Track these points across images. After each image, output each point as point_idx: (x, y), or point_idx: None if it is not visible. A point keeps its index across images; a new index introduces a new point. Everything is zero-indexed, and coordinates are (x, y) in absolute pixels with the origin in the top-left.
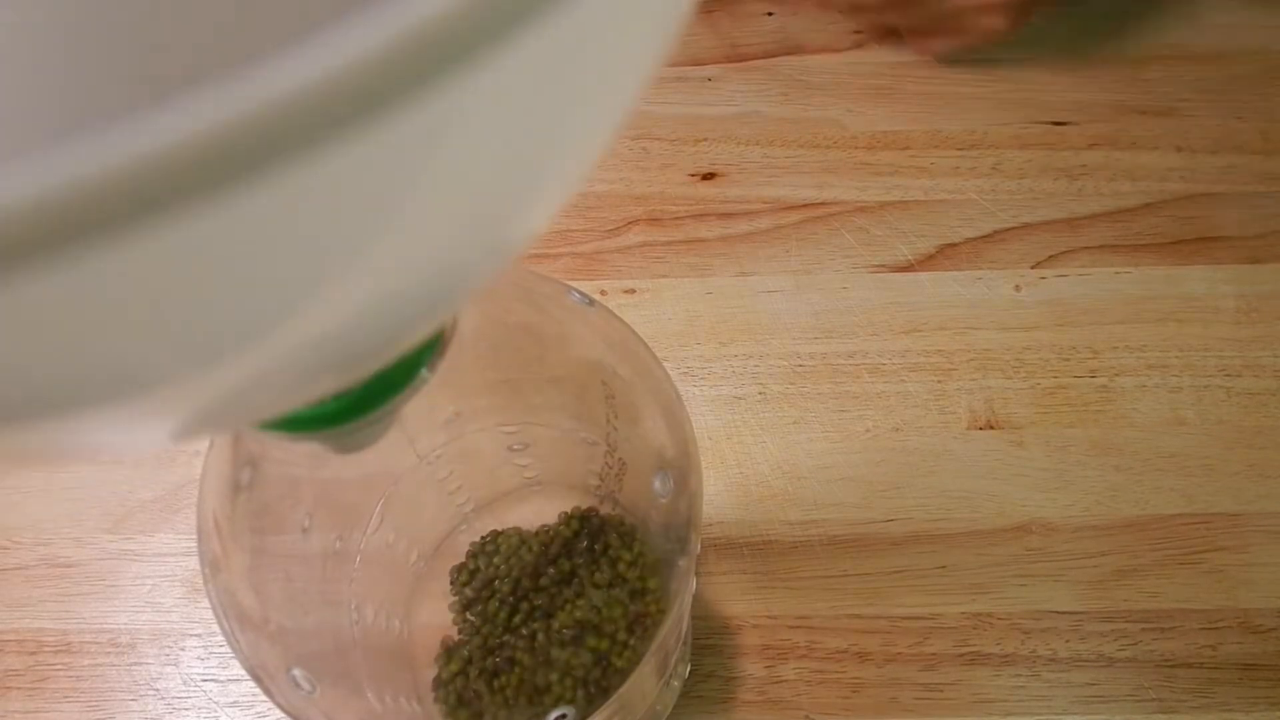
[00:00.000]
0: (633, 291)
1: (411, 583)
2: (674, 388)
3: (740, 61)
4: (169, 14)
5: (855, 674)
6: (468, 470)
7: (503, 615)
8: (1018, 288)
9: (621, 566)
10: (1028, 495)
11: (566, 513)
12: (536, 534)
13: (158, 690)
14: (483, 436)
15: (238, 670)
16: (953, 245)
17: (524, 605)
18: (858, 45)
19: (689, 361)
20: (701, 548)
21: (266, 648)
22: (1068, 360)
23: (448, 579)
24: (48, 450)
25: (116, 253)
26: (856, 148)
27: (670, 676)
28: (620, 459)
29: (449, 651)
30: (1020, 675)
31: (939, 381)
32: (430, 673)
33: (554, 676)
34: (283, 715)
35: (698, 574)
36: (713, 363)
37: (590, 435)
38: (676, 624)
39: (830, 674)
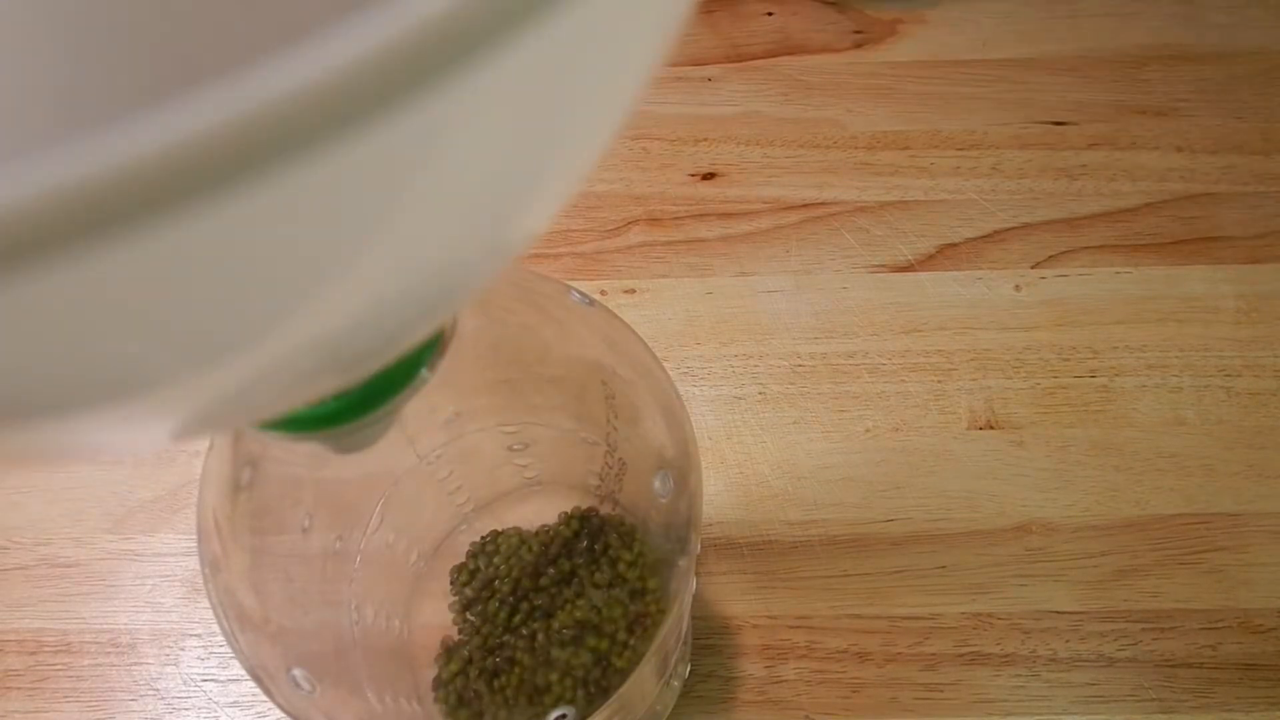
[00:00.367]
0: (633, 291)
1: (411, 583)
2: (674, 388)
3: (740, 61)
4: (168, 13)
5: (855, 674)
6: (468, 470)
7: (503, 615)
8: (1018, 288)
9: (621, 566)
10: (1028, 495)
11: (566, 513)
12: (536, 534)
13: (158, 690)
14: (483, 436)
15: (238, 670)
16: (953, 245)
17: (524, 605)
18: (858, 45)
19: (689, 361)
20: (701, 548)
21: (266, 648)
22: (1068, 360)
23: (448, 579)
24: (47, 450)
25: (115, 254)
26: (856, 148)
27: (670, 676)
28: (620, 459)
29: (449, 651)
30: (1020, 675)
31: (939, 381)
32: (430, 673)
33: (554, 676)
34: (283, 715)
35: (698, 574)
36: (713, 363)
37: (590, 435)
38: (676, 624)
39: (830, 674)
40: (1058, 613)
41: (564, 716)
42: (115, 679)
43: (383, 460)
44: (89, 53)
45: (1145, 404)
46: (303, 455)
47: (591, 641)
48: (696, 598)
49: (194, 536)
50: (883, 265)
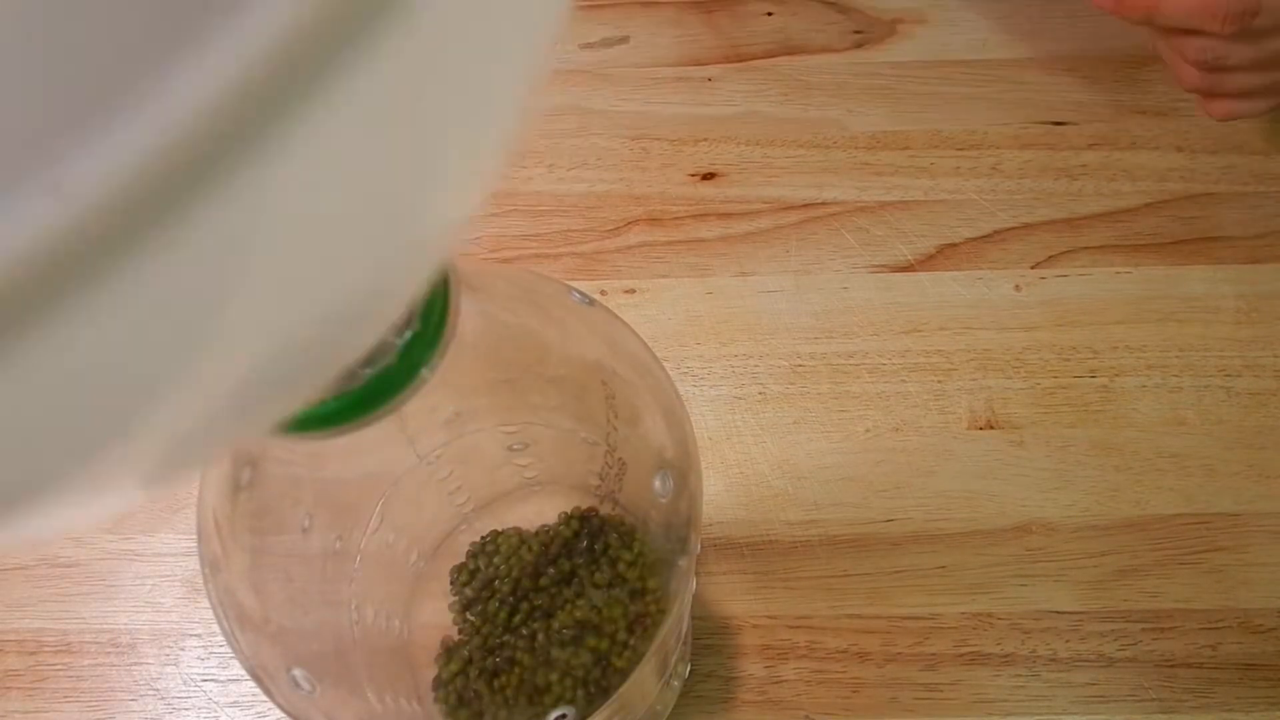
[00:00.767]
0: (633, 291)
1: (411, 583)
2: (674, 387)
3: (740, 61)
4: None
5: (855, 674)
6: (468, 470)
7: (503, 615)
8: (1018, 288)
9: (621, 566)
10: (1028, 495)
11: (566, 513)
12: (536, 534)
13: (158, 690)
14: (483, 436)
15: (238, 670)
16: (953, 245)
17: (524, 605)
18: (858, 45)
19: (689, 361)
20: (701, 548)
21: (266, 648)
22: (1068, 360)
23: (448, 579)
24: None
25: None
26: (856, 148)
27: (670, 676)
28: (620, 459)
29: (449, 651)
30: (1020, 675)
31: (939, 381)
32: (430, 673)
33: (554, 676)
34: (283, 715)
35: (697, 574)
36: (713, 363)
37: (590, 435)
38: (676, 624)
39: (830, 674)
40: (1058, 613)
41: (564, 716)
42: (115, 679)
43: (383, 460)
44: None
45: (1145, 404)
46: (303, 455)
47: (591, 641)
48: (696, 598)
49: (194, 536)
50: (883, 265)
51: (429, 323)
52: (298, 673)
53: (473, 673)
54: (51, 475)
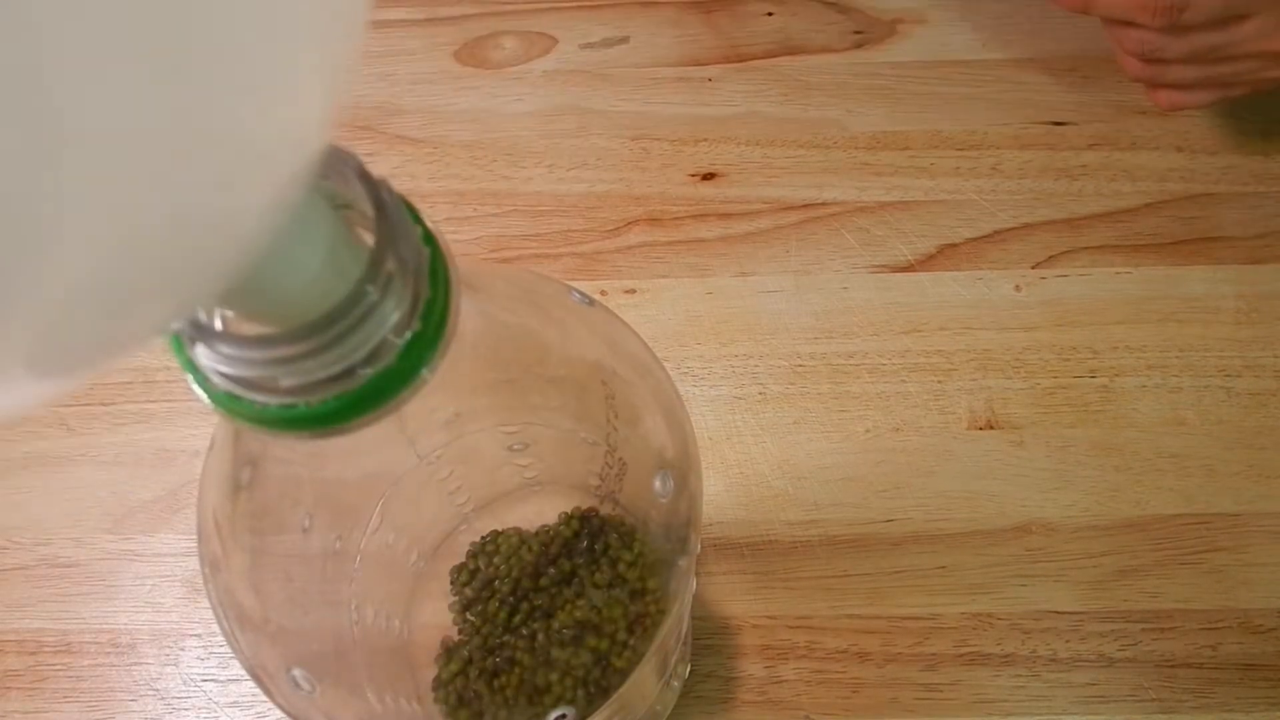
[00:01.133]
0: (633, 291)
1: (411, 583)
2: (674, 387)
3: (740, 61)
4: None
5: (855, 674)
6: (468, 470)
7: (503, 615)
8: (1018, 288)
9: (621, 566)
10: (1028, 495)
11: (566, 513)
12: (536, 534)
13: (158, 690)
14: (483, 437)
15: (238, 670)
16: (953, 245)
17: (524, 605)
18: (858, 45)
19: (689, 361)
20: (701, 548)
21: (266, 648)
22: (1068, 360)
23: (448, 579)
24: None
25: None
26: (856, 148)
27: (670, 677)
28: (620, 459)
29: (449, 651)
30: (1020, 675)
31: (939, 381)
32: (430, 673)
33: (554, 676)
34: (283, 715)
35: (697, 574)
36: (713, 363)
37: (590, 435)
38: (676, 624)
39: (830, 674)
40: (1058, 613)
41: (564, 716)
42: (115, 679)
43: (383, 460)
44: None
45: (1145, 404)
46: (303, 455)
47: (591, 641)
48: (696, 598)
49: (194, 536)
50: (883, 265)
51: (429, 323)
52: (297, 673)
53: (473, 673)
54: None
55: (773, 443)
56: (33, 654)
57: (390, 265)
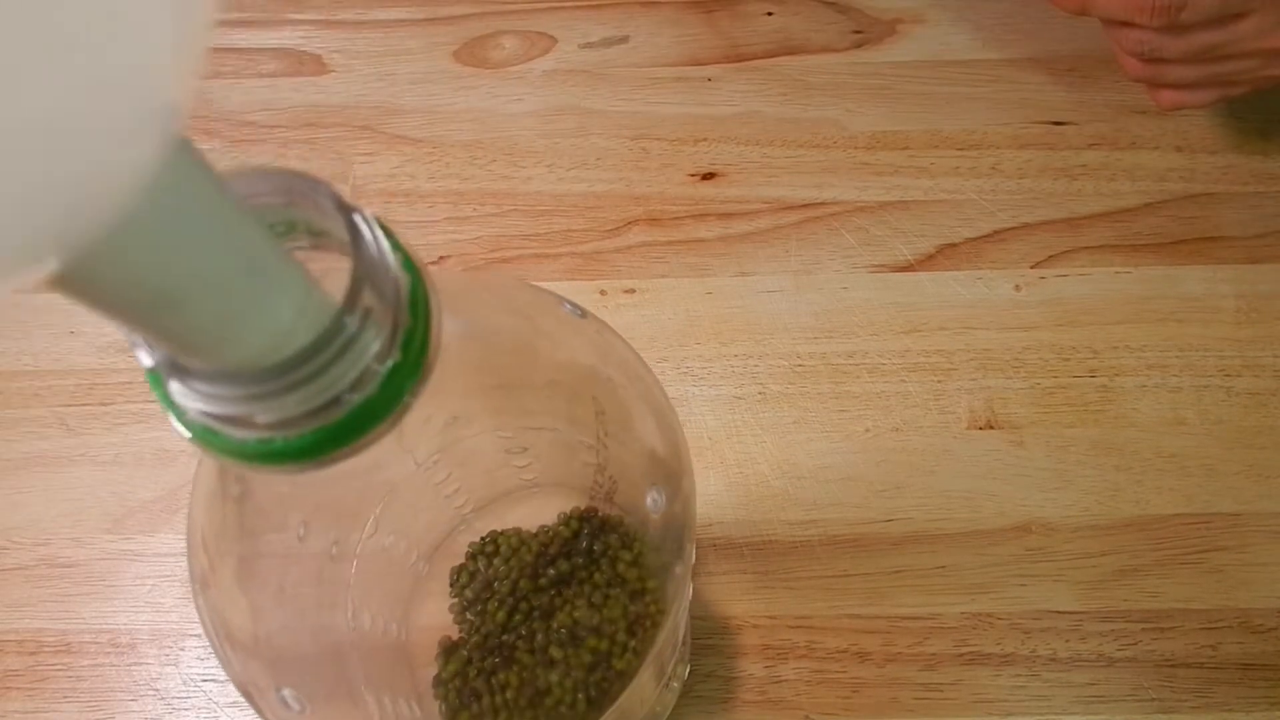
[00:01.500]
0: (633, 291)
1: (411, 584)
2: (668, 402)
3: (740, 61)
4: None
5: (855, 674)
6: (465, 473)
7: (502, 616)
8: (1018, 288)
9: (621, 567)
10: (1028, 495)
11: (565, 513)
12: (536, 535)
13: (158, 690)
14: (480, 440)
15: None
16: (953, 245)
17: (523, 606)
18: (858, 45)
19: (689, 361)
20: (702, 548)
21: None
22: (1068, 360)
23: (447, 580)
24: None
25: None
26: (856, 148)
27: (669, 677)
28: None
29: (449, 652)
30: (1020, 675)
31: (939, 381)
32: (430, 672)
33: (554, 677)
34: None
35: (697, 574)
36: (713, 363)
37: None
38: (676, 625)
39: (830, 674)
40: (1058, 613)
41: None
42: (115, 679)
43: (380, 469)
44: None
45: (1145, 404)
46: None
47: (591, 642)
48: (696, 598)
49: None
50: (883, 265)
51: (409, 352)
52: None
53: (472, 673)
54: None
55: (772, 442)
56: (33, 654)
57: (368, 296)
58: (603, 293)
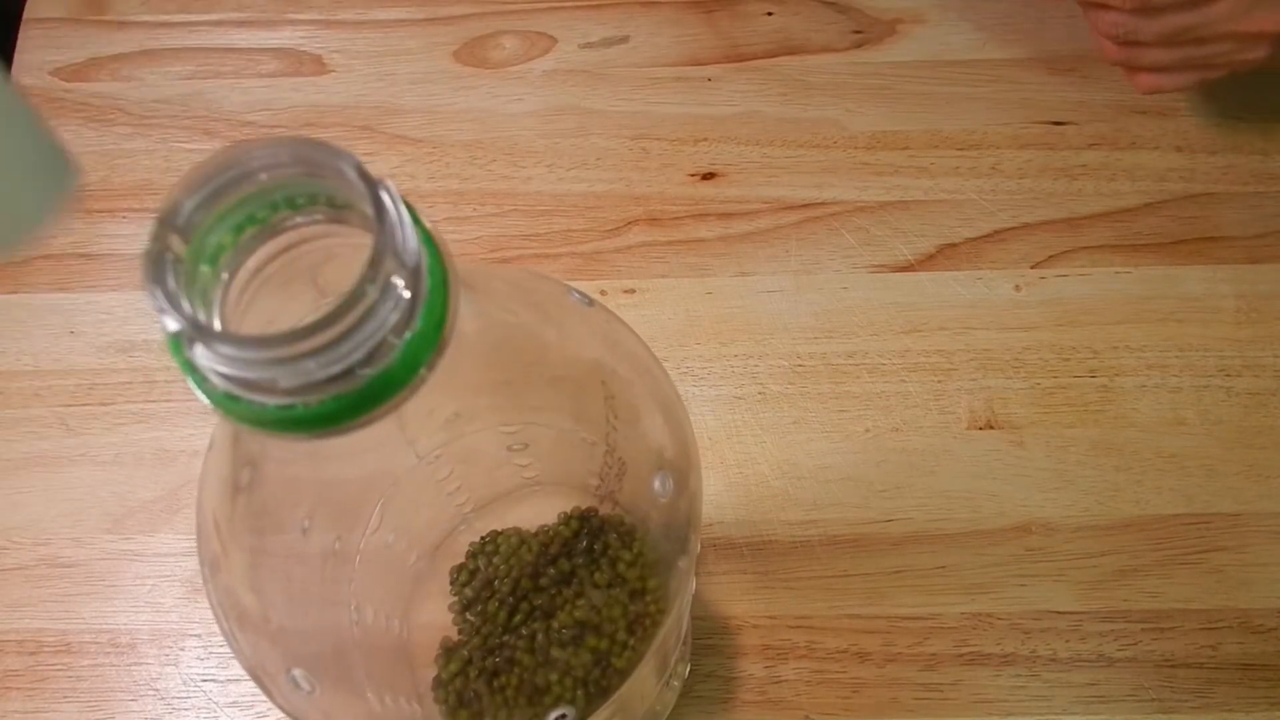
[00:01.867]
0: (633, 291)
1: (411, 583)
2: (673, 388)
3: (740, 61)
4: None
5: (855, 674)
6: (467, 470)
7: (502, 615)
8: (1018, 288)
9: (621, 566)
10: (1028, 495)
11: (566, 513)
12: (536, 534)
13: (158, 690)
14: (482, 436)
15: (238, 670)
16: (953, 245)
17: (524, 605)
18: (858, 45)
19: (689, 361)
20: (701, 548)
21: (266, 648)
22: (1068, 360)
23: (447, 579)
24: None
25: None
26: (856, 148)
27: (670, 677)
28: (620, 459)
29: (449, 652)
30: (1020, 675)
31: (939, 381)
32: (430, 673)
33: (554, 676)
34: (282, 716)
35: (697, 574)
36: (713, 363)
37: (590, 435)
38: (676, 624)
39: (830, 674)
40: (1058, 613)
41: (564, 716)
42: (115, 679)
43: (383, 460)
44: None
45: (1145, 404)
46: (302, 456)
47: (591, 641)
48: (696, 598)
49: (194, 536)
50: (883, 265)
51: (428, 322)
52: (297, 673)
53: (472, 673)
54: None
55: (772, 442)
56: (33, 654)
57: (389, 265)
58: (603, 293)
